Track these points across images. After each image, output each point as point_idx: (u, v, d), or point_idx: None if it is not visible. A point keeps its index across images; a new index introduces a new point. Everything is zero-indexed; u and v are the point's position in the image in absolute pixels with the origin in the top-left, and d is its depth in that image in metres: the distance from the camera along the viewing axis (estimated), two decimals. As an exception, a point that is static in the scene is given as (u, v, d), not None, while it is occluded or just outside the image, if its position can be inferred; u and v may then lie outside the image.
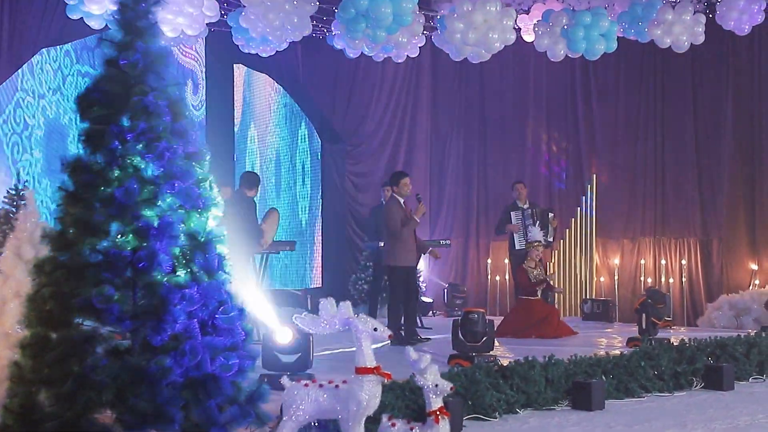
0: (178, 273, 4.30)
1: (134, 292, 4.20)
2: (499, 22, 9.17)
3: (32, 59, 10.98)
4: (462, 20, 9.07)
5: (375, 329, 4.95)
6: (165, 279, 4.23)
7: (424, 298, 13.92)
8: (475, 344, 7.67)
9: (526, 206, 12.57)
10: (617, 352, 8.10)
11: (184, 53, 14.44)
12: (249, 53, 11.98)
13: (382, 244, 11.29)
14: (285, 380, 5.06)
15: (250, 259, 9.09)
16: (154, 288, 4.19)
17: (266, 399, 4.46)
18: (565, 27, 9.84)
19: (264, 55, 11.44)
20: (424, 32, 11.72)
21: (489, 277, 14.33)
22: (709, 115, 13.16)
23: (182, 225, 4.37)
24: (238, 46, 11.52)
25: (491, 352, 7.93)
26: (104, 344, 4.21)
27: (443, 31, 9.64)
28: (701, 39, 10.73)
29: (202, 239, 4.42)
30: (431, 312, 13.98)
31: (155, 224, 4.25)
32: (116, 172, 4.27)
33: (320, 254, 14.76)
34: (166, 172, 4.34)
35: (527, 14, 12.01)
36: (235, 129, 14.58)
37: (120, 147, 4.31)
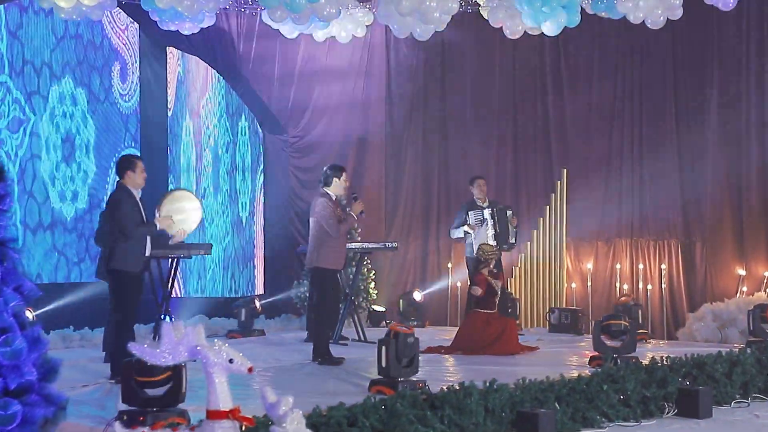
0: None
1: None
2: (438, -12, 8.23)
3: None
4: (394, -14, 8.13)
5: (231, 360, 3.96)
6: None
7: (375, 307, 13.19)
8: (401, 367, 6.68)
9: (485, 204, 11.86)
10: (577, 373, 7.33)
11: (117, 34, 13.60)
12: (181, 34, 11.18)
13: None
14: (117, 426, 4.06)
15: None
16: None
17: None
18: (520, -3, 8.91)
19: (186, 32, 10.59)
20: (368, 6, 10.87)
21: (450, 282, 13.50)
22: (692, 102, 12.51)
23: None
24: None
25: (419, 377, 6.97)
26: None
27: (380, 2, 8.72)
28: (679, 13, 9.88)
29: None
30: (384, 322, 13.14)
31: None
32: None
33: (262, 258, 13.99)
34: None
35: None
36: (168, 120, 13.70)
37: None
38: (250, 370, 4.01)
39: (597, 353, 8.71)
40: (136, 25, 13.12)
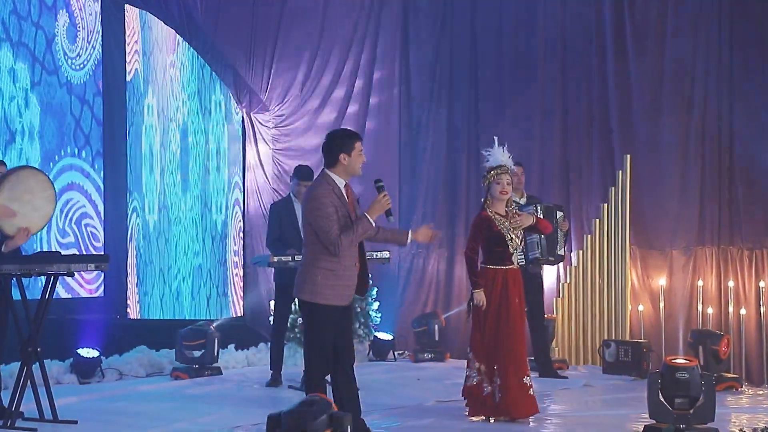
0: None
1: None
2: None
3: None
4: None
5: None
6: None
7: (379, 335, 11.55)
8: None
9: (523, 200, 10.32)
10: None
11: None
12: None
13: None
14: None
15: None
16: None
17: None
18: None
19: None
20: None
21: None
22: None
23: None
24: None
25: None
26: None
27: None
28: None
29: None
30: (392, 354, 11.48)
31: None
32: None
33: (242, 269, 12.47)
34: None
35: None
36: (126, 96, 12.38)
37: None
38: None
39: (654, 421, 6.55)
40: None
